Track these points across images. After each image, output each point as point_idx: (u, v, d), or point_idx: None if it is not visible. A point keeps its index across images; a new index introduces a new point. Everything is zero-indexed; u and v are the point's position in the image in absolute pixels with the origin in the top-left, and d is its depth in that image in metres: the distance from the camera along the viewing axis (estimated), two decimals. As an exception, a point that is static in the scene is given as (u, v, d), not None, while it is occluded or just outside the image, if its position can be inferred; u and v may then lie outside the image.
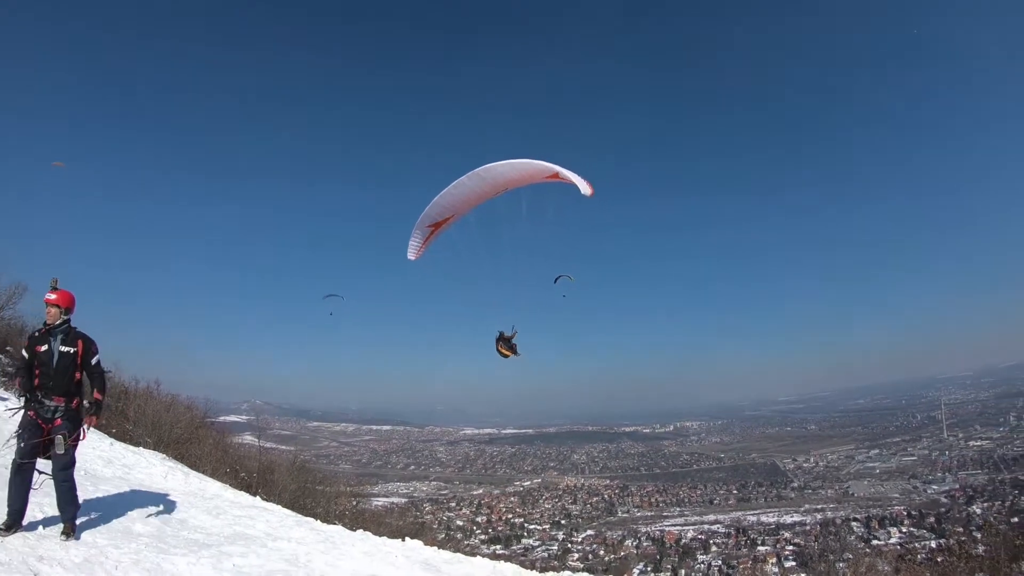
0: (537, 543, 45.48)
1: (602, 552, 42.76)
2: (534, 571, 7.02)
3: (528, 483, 60.12)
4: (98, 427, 7.39)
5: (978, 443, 53.15)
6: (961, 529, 32.21)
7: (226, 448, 14.76)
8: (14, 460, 4.92)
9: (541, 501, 54.15)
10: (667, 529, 45.54)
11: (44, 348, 5.13)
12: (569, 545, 44.50)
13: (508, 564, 6.99)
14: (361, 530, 8.00)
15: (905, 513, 41.31)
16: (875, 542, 37.01)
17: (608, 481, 60.04)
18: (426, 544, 7.37)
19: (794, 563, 35.58)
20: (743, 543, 41.67)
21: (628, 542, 43.69)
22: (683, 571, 38.32)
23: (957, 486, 45.46)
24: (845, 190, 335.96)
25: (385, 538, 7.48)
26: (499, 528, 48.52)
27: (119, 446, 10.05)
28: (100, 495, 6.73)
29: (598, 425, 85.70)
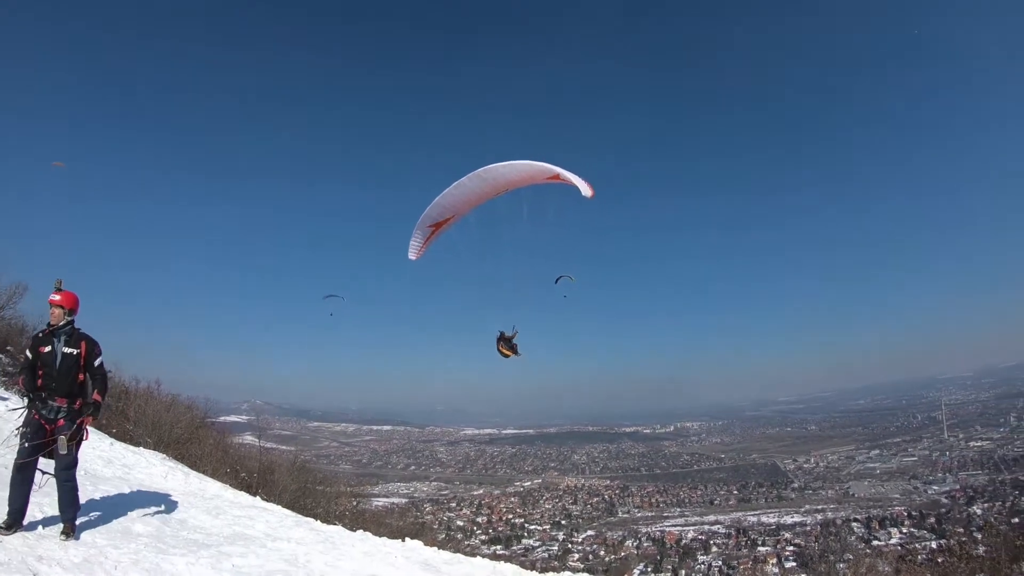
0: (537, 543, 45.47)
1: (602, 552, 42.75)
2: (534, 571, 7.02)
3: (528, 483, 60.12)
4: (98, 427, 7.41)
5: (979, 443, 53.12)
6: (962, 530, 32.19)
7: (226, 448, 14.75)
8: (16, 460, 4.94)
9: (541, 501, 54.14)
10: (667, 529, 45.53)
11: (47, 349, 5.16)
12: (569, 545, 44.49)
13: (508, 564, 6.98)
14: (361, 530, 8.00)
15: (905, 514, 41.28)
16: (875, 543, 36.98)
17: (608, 481, 60.04)
18: (426, 544, 7.36)
19: (794, 564, 35.58)
20: (743, 544, 41.65)
21: (628, 542, 43.68)
22: (683, 571, 38.30)
23: (958, 487, 45.43)
24: (845, 190, 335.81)
25: (385, 538, 7.47)
26: (499, 528, 48.51)
27: (119, 446, 10.05)
28: (100, 495, 6.73)
29: (598, 425, 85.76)
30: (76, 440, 5.17)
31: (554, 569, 10.28)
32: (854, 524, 41.02)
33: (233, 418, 44.58)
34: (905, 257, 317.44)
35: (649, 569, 39.03)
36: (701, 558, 40.08)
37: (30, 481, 4.96)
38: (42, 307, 5.29)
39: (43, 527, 5.12)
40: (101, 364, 5.40)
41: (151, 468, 9.32)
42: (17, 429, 5.16)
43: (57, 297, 5.26)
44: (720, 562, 38.72)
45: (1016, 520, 31.76)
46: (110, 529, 5.62)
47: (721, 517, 48.02)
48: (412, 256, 9.99)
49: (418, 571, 6.00)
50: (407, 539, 7.48)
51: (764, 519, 45.95)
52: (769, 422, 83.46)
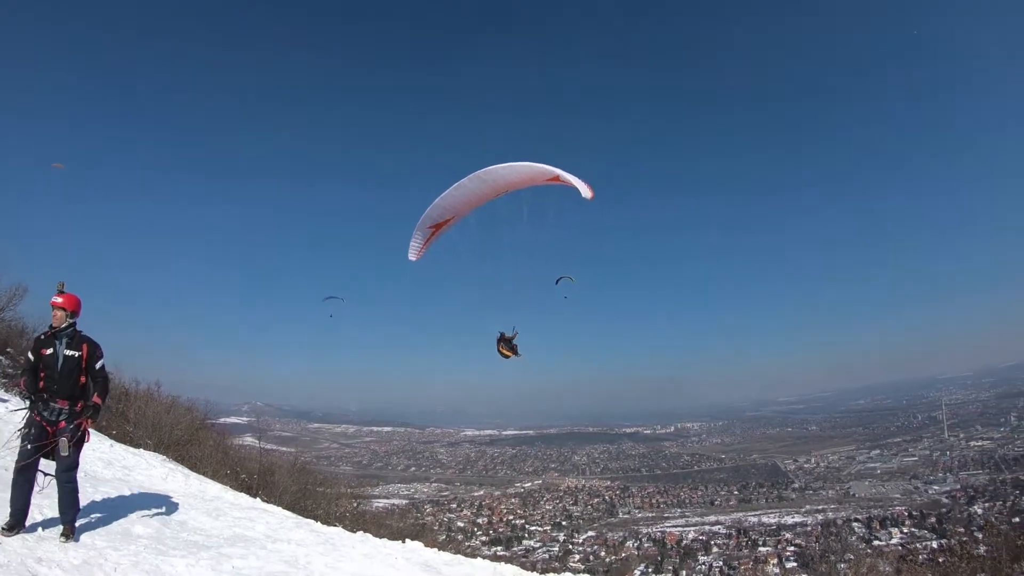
0: (538, 544, 45.44)
1: (603, 553, 42.72)
2: (535, 573, 7.02)
3: (529, 484, 60.07)
4: (98, 429, 7.41)
5: (979, 443, 53.10)
6: (962, 529, 32.16)
7: (226, 450, 14.75)
8: (17, 461, 4.96)
9: (542, 502, 54.11)
10: (668, 530, 45.50)
11: (49, 351, 5.18)
12: (570, 546, 44.46)
13: (509, 566, 6.98)
14: (361, 532, 8.00)
15: (906, 513, 41.26)
16: (876, 543, 36.96)
17: (609, 482, 60.01)
18: (427, 546, 7.36)
19: (795, 564, 35.60)
20: (744, 544, 41.63)
21: (629, 543, 43.65)
22: (684, 572, 38.28)
23: (958, 486, 45.41)
24: (845, 190, 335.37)
25: (385, 540, 7.47)
26: (500, 529, 48.48)
27: (119, 448, 10.05)
28: (100, 497, 6.73)
29: (599, 426, 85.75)
30: (78, 442, 5.18)
31: (555, 570, 10.29)
32: (855, 524, 41.01)
33: (233, 420, 44.53)
34: (905, 257, 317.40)
35: (650, 570, 39.00)
36: (702, 558, 40.06)
37: (31, 483, 4.98)
38: (42, 309, 5.34)
39: (43, 529, 5.12)
40: (102, 367, 5.41)
41: (151, 470, 9.31)
42: (18, 431, 5.17)
43: (59, 299, 5.28)
44: (721, 563, 38.70)
45: (1017, 519, 31.75)
46: (110, 531, 5.62)
47: (722, 517, 47.99)
48: (412, 257, 10.00)
49: (419, 572, 6.00)
50: (407, 540, 7.48)
51: (765, 519, 45.92)
52: (769, 422, 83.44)
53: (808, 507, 47.67)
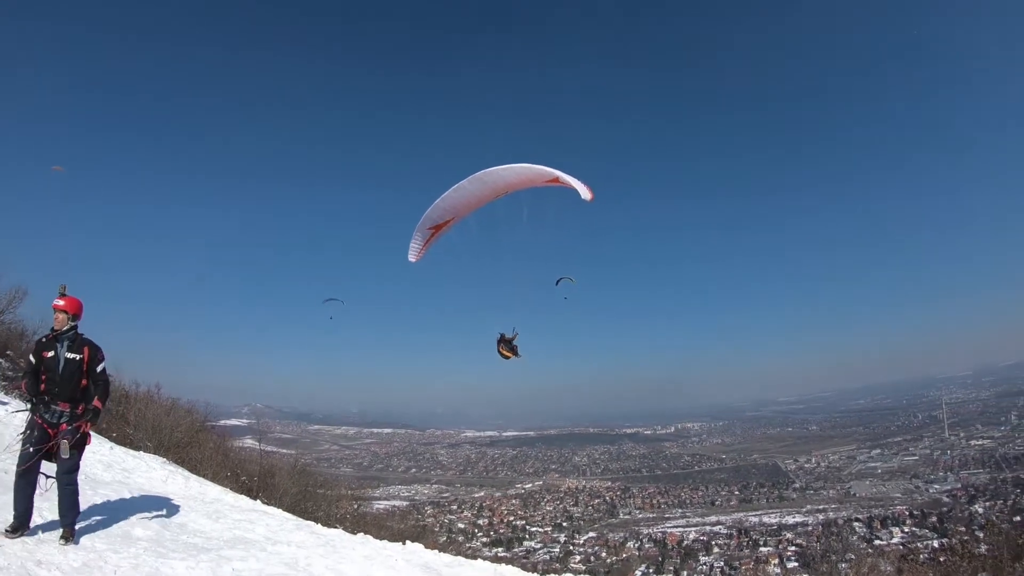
0: (539, 545, 45.39)
1: (604, 554, 42.66)
2: (536, 574, 7.01)
3: (529, 485, 60.02)
4: (99, 431, 7.41)
5: (979, 442, 53.06)
6: (963, 528, 32.17)
7: (227, 452, 14.73)
8: (19, 464, 4.97)
9: (543, 503, 54.03)
10: (669, 531, 45.44)
11: (50, 354, 5.20)
12: (571, 547, 44.40)
13: (510, 567, 6.97)
14: (362, 534, 7.99)
15: (907, 513, 41.23)
16: (877, 542, 36.93)
17: (610, 483, 59.93)
18: (427, 547, 7.36)
19: (796, 564, 35.56)
20: (745, 544, 41.58)
21: (630, 544, 43.59)
22: (685, 572, 38.23)
23: (959, 485, 45.37)
24: (845, 190, 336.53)
25: (386, 542, 7.47)
26: (501, 531, 48.40)
27: (119, 450, 10.03)
28: (99, 499, 6.72)
29: (599, 427, 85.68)
30: (79, 445, 5.20)
31: (556, 571, 10.27)
32: (856, 524, 40.97)
33: (233, 421, 44.44)
34: (905, 257, 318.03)
35: (651, 570, 38.94)
36: (703, 559, 40.01)
37: (33, 485, 5.00)
38: (42, 311, 5.37)
39: (42, 532, 5.11)
40: (103, 370, 5.42)
41: (151, 472, 9.30)
42: (20, 435, 5.17)
43: (61, 302, 5.30)
44: (722, 563, 38.65)
45: (1018, 518, 31.78)
46: (110, 533, 5.61)
47: (723, 518, 47.93)
48: (412, 258, 10.00)
49: (419, 574, 5.99)
50: (408, 542, 7.48)
51: (766, 519, 45.87)
52: (770, 422, 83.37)
53: (809, 507, 47.61)
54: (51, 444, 5.05)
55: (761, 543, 41.28)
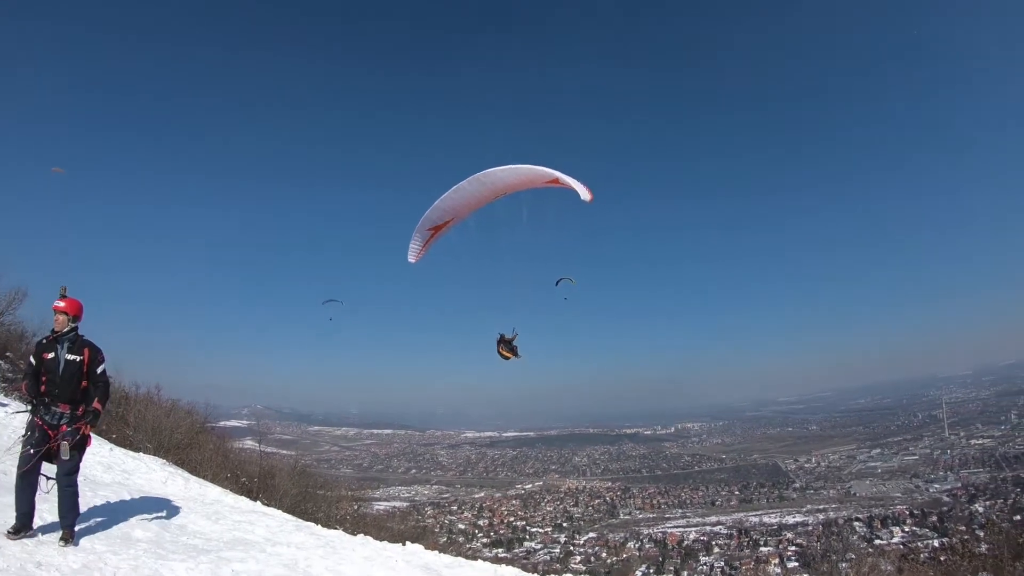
0: (539, 546, 45.39)
1: (604, 554, 42.65)
2: (536, 574, 7.00)
3: (530, 486, 60.01)
4: (98, 433, 7.41)
5: (979, 441, 53.11)
6: (964, 528, 32.19)
7: (227, 453, 14.73)
8: (19, 466, 4.98)
9: (543, 504, 54.02)
10: (669, 531, 45.43)
11: (51, 356, 5.20)
12: (571, 548, 44.40)
13: (510, 568, 6.96)
14: (362, 535, 7.97)
15: (907, 512, 41.23)
16: (878, 542, 36.93)
17: (610, 483, 59.94)
18: (427, 548, 7.35)
19: (797, 564, 35.55)
20: (745, 544, 41.58)
21: (630, 544, 43.57)
22: (685, 573, 38.24)
23: (959, 485, 45.39)
24: (845, 190, 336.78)
25: (386, 542, 7.46)
26: (501, 531, 48.39)
27: (119, 451, 10.03)
28: (99, 501, 6.71)
29: (599, 427, 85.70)
30: (79, 446, 5.21)
31: (556, 572, 10.27)
32: (856, 523, 40.98)
33: (233, 423, 44.47)
34: (905, 257, 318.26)
35: (651, 570, 38.96)
36: (703, 559, 40.01)
37: (34, 486, 5.01)
38: (42, 312, 5.37)
39: (42, 533, 5.10)
40: (103, 371, 5.42)
41: (151, 473, 9.30)
42: (20, 437, 5.18)
43: (61, 304, 5.30)
44: (722, 563, 38.65)
45: (1018, 518, 31.77)
46: (109, 535, 5.60)
47: (723, 518, 47.93)
48: (412, 259, 10.00)
49: (419, 575, 5.98)
50: (408, 543, 7.47)
51: (766, 519, 45.87)
52: (770, 422, 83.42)
53: (809, 507, 47.63)
54: (52, 445, 5.05)
55: (761, 543, 41.28)
